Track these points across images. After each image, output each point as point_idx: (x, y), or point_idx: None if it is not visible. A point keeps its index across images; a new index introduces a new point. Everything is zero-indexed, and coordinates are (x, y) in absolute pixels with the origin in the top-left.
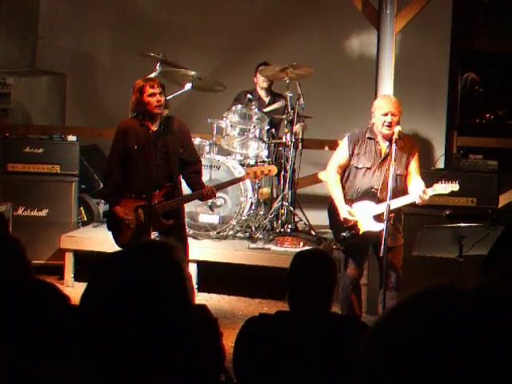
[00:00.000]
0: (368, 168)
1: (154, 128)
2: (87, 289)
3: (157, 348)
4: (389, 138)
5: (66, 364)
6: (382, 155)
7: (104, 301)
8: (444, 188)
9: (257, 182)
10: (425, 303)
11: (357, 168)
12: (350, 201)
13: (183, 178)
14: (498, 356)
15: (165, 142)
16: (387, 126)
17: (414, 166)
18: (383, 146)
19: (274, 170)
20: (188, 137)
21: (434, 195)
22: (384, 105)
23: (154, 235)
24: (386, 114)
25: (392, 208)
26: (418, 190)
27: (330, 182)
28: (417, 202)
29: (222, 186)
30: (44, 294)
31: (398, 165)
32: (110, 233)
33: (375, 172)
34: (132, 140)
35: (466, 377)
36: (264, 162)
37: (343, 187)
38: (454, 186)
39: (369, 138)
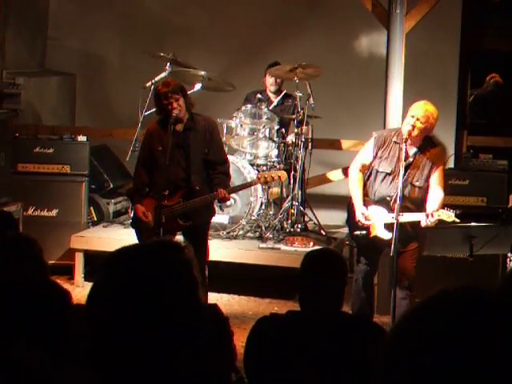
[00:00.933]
0: (388, 174)
1: (179, 129)
2: (94, 286)
3: (161, 348)
4: (416, 145)
5: (68, 364)
6: (405, 163)
7: (109, 298)
8: (447, 216)
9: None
10: (447, 304)
11: (377, 171)
12: (369, 201)
13: (209, 178)
14: None
15: (188, 142)
16: (409, 127)
17: (435, 177)
18: (409, 153)
19: (284, 175)
20: (214, 136)
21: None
22: (415, 108)
23: (177, 235)
24: (413, 116)
25: (401, 221)
26: (428, 209)
27: (351, 180)
28: (422, 224)
29: (233, 190)
30: (52, 294)
31: (419, 176)
32: (134, 231)
33: (394, 179)
34: (156, 142)
35: (490, 378)
36: (274, 162)
37: (365, 186)
38: (456, 220)
39: (395, 142)
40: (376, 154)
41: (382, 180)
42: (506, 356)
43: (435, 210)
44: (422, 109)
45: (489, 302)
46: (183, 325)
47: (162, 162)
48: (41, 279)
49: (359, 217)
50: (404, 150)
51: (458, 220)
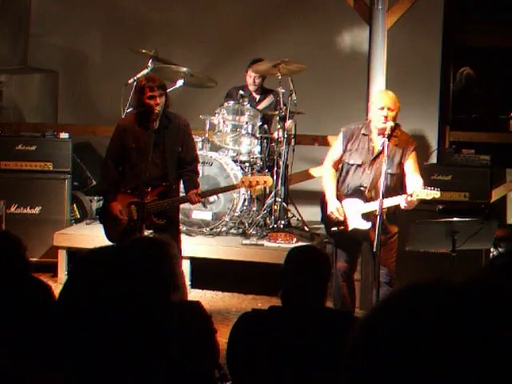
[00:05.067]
0: (359, 165)
1: (154, 127)
2: (67, 281)
3: (140, 345)
4: (384, 135)
5: (49, 363)
6: (375, 153)
7: (83, 295)
8: (426, 194)
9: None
10: (415, 296)
11: (348, 164)
12: (342, 196)
13: (180, 176)
14: (485, 347)
15: (163, 140)
16: (383, 120)
17: (409, 165)
18: (376, 143)
19: (270, 181)
20: (188, 135)
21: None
22: (380, 99)
23: (147, 232)
24: (382, 108)
25: (378, 208)
26: (406, 194)
27: (324, 176)
28: (402, 207)
29: (215, 192)
30: (36, 292)
31: (390, 163)
32: (102, 226)
33: (366, 170)
34: (130, 138)
35: (456, 368)
36: (256, 158)
37: (337, 182)
38: (436, 193)
39: (363, 134)
40: (346, 147)
41: (354, 172)
42: (471, 347)
43: (415, 190)
44: (387, 97)
45: (458, 294)
46: (160, 321)
47: (136, 160)
48: (25, 277)
49: (332, 209)
50: (387, 146)
51: (438, 195)
